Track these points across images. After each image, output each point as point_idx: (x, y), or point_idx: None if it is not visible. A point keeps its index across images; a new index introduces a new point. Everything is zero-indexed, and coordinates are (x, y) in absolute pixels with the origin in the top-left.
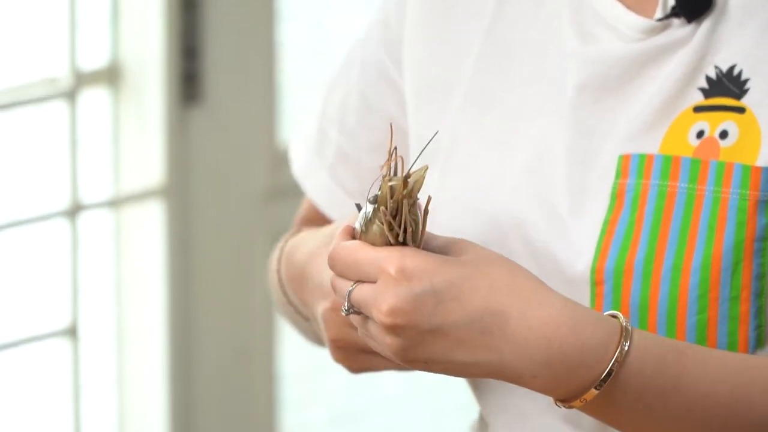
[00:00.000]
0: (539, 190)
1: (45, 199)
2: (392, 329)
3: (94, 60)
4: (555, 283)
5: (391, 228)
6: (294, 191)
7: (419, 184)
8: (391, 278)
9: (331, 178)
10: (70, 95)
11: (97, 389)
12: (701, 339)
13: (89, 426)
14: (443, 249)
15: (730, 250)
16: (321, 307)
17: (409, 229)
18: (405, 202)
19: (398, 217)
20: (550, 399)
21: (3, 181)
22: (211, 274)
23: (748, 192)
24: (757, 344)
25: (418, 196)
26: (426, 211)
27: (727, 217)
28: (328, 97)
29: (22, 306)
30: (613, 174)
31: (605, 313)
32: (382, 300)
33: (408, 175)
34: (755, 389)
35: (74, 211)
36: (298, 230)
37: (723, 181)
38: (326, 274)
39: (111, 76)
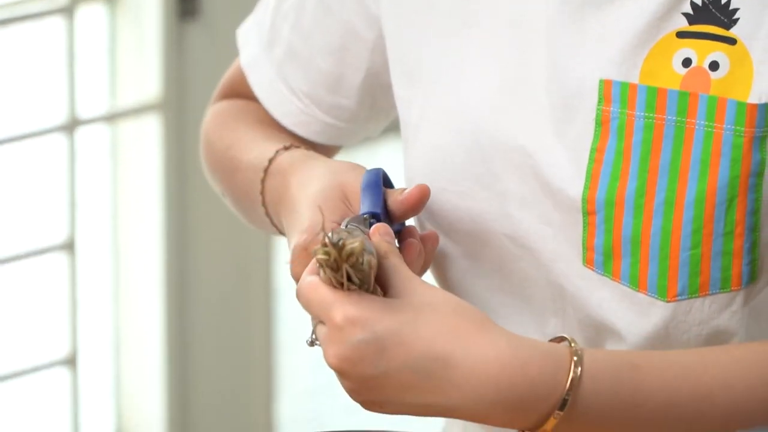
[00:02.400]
0: (520, 110)
1: (42, 114)
2: (340, 374)
3: None
4: (547, 208)
5: (338, 280)
6: None
7: (357, 252)
8: (336, 326)
9: (278, 76)
10: (68, 11)
11: (94, 302)
12: (694, 274)
13: (86, 339)
14: (397, 288)
15: (724, 185)
16: (293, 241)
17: (355, 280)
18: (345, 265)
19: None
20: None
21: (1, 97)
22: (207, 187)
23: (743, 129)
24: (750, 279)
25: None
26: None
27: (721, 153)
28: None
29: (19, 221)
30: (595, 97)
31: (553, 339)
32: (328, 347)
33: (342, 246)
34: (716, 388)
35: (71, 126)
36: (219, 100)
37: (716, 116)
38: (304, 207)
39: None
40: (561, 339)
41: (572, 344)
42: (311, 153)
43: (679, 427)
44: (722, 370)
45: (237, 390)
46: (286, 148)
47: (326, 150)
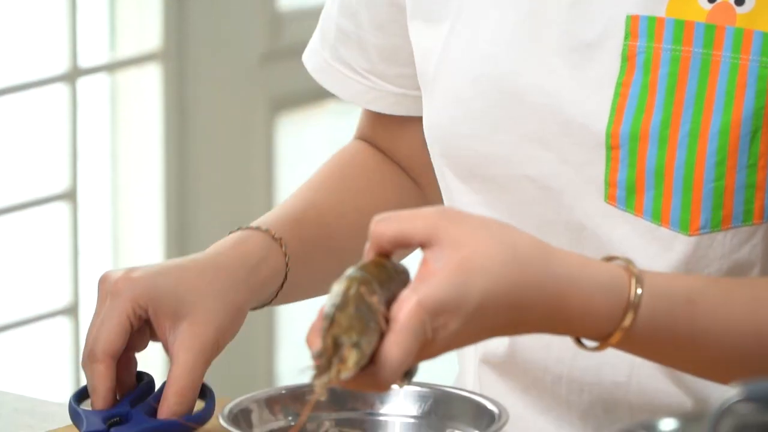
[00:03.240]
0: (538, 52)
1: (44, 64)
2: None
3: None
4: (567, 146)
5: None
6: (292, 55)
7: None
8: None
9: (334, 59)
10: None
11: (96, 251)
12: (717, 207)
13: (87, 288)
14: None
15: (749, 117)
16: None
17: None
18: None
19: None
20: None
21: (3, 46)
22: (207, 137)
23: None
24: None
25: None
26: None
27: (746, 84)
28: None
29: (21, 170)
30: (621, 34)
31: (615, 264)
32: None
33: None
34: (763, 324)
35: (73, 75)
36: (355, 138)
37: (741, 47)
38: None
39: None
40: (612, 258)
41: (630, 266)
42: (217, 250)
43: (732, 361)
44: None
45: (239, 339)
46: (232, 231)
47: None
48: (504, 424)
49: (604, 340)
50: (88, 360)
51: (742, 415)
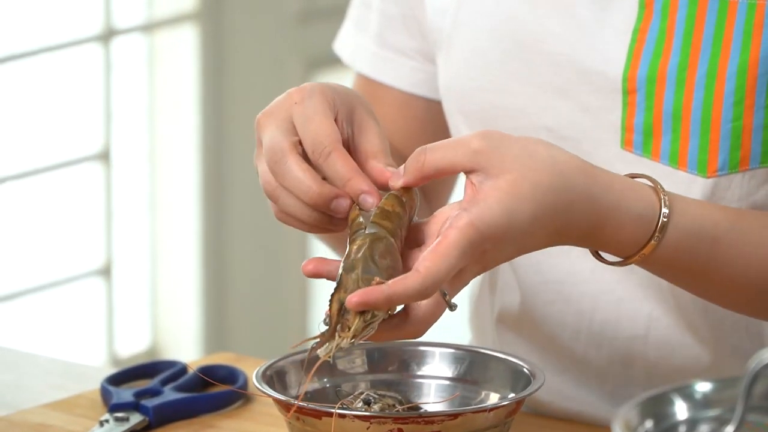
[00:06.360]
0: (558, 1)
1: (78, 24)
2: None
3: None
4: (584, 94)
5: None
6: (328, 14)
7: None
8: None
9: (379, 45)
10: None
11: (130, 213)
12: (735, 147)
13: (121, 249)
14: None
15: (767, 56)
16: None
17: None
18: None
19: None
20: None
21: (37, 6)
22: (243, 97)
23: None
24: None
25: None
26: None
27: (763, 24)
28: None
29: (55, 131)
30: None
31: (648, 186)
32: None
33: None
34: None
35: (107, 35)
36: None
37: None
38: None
39: None
40: (637, 176)
41: (658, 186)
42: None
43: (747, 294)
44: None
45: (272, 299)
46: None
47: None
48: (539, 387)
49: (624, 258)
50: (321, 156)
51: None
